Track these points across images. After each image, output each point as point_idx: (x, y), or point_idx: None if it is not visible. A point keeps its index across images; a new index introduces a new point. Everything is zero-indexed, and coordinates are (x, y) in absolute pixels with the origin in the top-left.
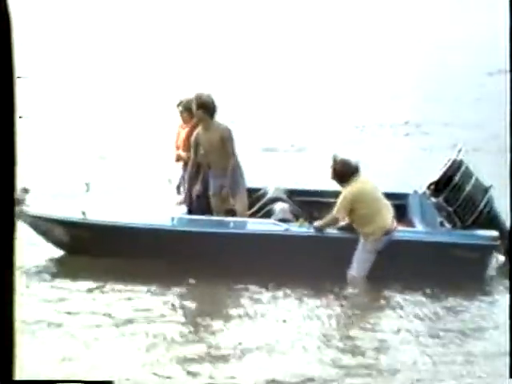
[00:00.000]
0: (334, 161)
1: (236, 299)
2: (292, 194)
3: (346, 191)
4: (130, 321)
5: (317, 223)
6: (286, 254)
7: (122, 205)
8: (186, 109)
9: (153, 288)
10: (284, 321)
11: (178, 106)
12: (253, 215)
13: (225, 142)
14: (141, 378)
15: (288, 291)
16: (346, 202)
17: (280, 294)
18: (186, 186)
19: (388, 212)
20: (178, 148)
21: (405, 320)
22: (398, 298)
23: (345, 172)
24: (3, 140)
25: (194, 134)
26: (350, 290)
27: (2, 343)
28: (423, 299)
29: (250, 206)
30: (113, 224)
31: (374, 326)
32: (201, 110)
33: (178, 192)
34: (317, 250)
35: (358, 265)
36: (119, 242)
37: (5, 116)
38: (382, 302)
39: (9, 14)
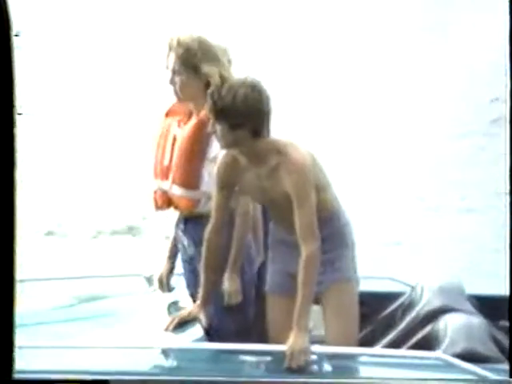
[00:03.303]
0: None
1: None
2: (483, 302)
3: None
4: None
5: None
6: None
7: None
8: (193, 66)
9: None
10: None
11: (170, 53)
12: (392, 346)
13: (297, 188)
14: None
15: None
16: None
17: None
18: (202, 275)
19: None
20: (162, 173)
21: None
22: None
23: None
24: (2, 143)
25: (222, 159)
26: None
27: (1, 343)
28: None
29: (377, 330)
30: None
31: None
32: (226, 121)
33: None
34: None
35: None
36: None
37: (4, 119)
38: None
39: (8, 14)
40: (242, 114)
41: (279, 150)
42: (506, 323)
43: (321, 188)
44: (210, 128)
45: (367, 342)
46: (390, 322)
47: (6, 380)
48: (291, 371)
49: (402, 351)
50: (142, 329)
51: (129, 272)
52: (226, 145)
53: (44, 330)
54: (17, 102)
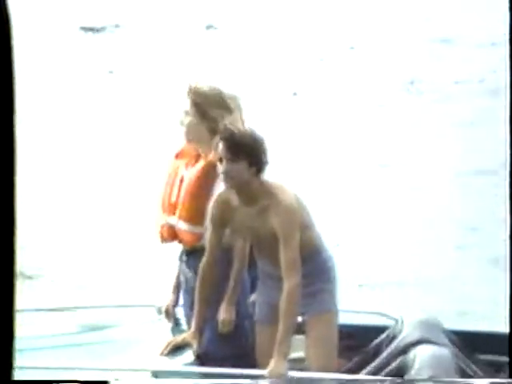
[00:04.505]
0: None
1: None
2: (464, 338)
3: None
4: None
5: None
6: None
7: None
8: (202, 113)
9: None
10: None
11: (187, 97)
12: (373, 374)
13: (284, 228)
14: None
15: None
16: None
17: None
18: (196, 306)
19: None
20: (169, 209)
21: None
22: None
23: None
24: (2, 145)
25: (216, 199)
26: None
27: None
28: None
29: (365, 359)
30: None
31: None
32: (245, 158)
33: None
34: None
35: None
36: None
37: (4, 120)
38: None
39: (9, 15)
40: (258, 151)
41: (270, 192)
42: (488, 357)
43: (305, 227)
44: (220, 169)
45: (355, 370)
46: (377, 352)
47: (5, 381)
48: None
49: (376, 377)
50: (143, 354)
51: (142, 302)
52: (239, 182)
53: (55, 354)
54: (17, 102)
